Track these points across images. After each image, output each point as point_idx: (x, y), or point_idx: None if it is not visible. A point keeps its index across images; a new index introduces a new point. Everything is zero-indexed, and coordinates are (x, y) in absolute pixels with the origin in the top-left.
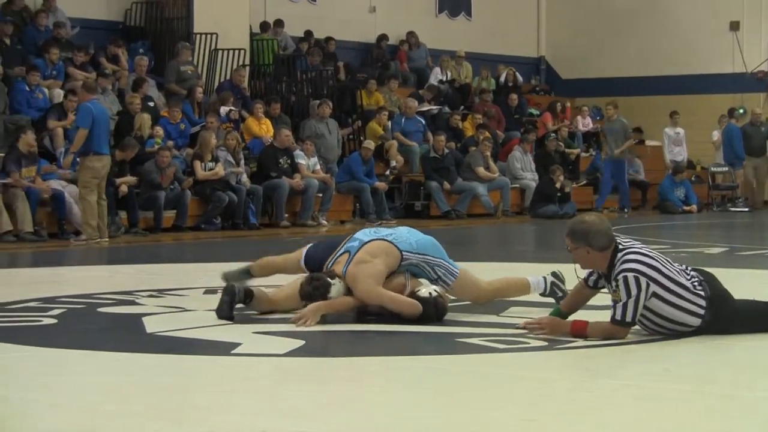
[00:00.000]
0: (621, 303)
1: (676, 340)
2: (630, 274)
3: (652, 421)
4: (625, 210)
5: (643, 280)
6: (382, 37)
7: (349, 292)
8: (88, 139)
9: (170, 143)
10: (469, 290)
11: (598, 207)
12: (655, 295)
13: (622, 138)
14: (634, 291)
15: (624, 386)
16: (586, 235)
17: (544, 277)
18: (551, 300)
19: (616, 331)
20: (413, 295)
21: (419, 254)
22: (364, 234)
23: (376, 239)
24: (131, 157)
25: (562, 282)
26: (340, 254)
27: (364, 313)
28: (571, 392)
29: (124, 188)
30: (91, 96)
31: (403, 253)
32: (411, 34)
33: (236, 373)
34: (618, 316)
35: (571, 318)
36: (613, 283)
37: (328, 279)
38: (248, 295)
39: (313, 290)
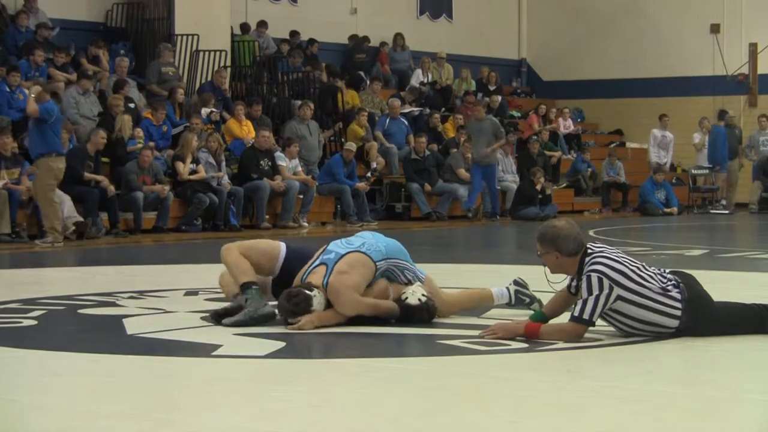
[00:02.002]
0: (581, 300)
1: (657, 341)
2: (594, 275)
3: (635, 422)
4: (497, 217)
5: (606, 282)
6: (364, 39)
7: (329, 303)
8: (50, 139)
9: (152, 144)
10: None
11: (467, 207)
12: (621, 298)
13: (492, 139)
14: (595, 290)
15: (606, 388)
16: (555, 240)
17: (507, 288)
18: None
19: (572, 329)
20: (402, 302)
21: (389, 259)
22: (337, 246)
23: (352, 251)
24: (102, 146)
25: (526, 287)
26: (316, 266)
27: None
28: (552, 394)
29: (112, 189)
30: (48, 98)
31: (377, 263)
32: (399, 35)
33: (218, 375)
34: (576, 313)
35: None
36: (580, 285)
37: (307, 291)
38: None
39: (294, 307)
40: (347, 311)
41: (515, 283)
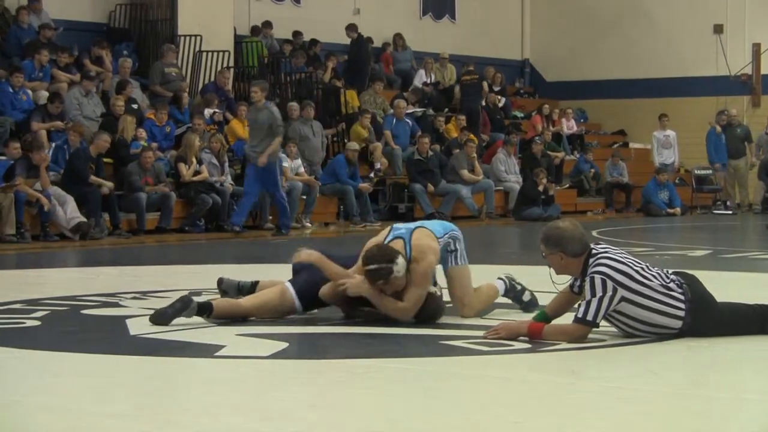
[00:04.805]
0: (585, 301)
1: (660, 342)
2: (597, 276)
3: (637, 423)
4: (283, 231)
5: (609, 284)
6: (367, 39)
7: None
8: None
9: (154, 145)
10: (465, 287)
11: (235, 224)
12: (625, 299)
13: (268, 132)
14: (599, 292)
15: (608, 388)
16: (560, 242)
17: (500, 278)
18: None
19: (575, 330)
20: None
21: (446, 233)
22: (402, 225)
23: (419, 226)
24: (105, 148)
25: (513, 278)
26: (390, 240)
27: (350, 315)
28: (556, 394)
29: (104, 190)
30: None
31: (439, 239)
32: (398, 36)
33: (221, 376)
34: (580, 314)
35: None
36: (583, 285)
37: (391, 265)
38: (204, 310)
39: (378, 268)
40: (425, 273)
41: (505, 274)
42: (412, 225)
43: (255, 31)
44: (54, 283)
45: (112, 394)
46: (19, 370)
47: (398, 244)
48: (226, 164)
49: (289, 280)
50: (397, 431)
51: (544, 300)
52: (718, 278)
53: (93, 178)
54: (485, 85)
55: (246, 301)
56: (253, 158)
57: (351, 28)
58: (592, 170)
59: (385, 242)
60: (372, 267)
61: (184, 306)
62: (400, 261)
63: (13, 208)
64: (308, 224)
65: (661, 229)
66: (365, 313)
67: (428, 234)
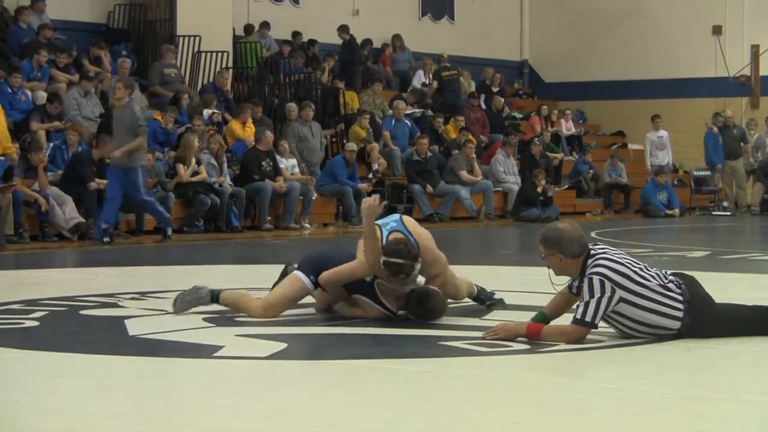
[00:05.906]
0: (583, 302)
1: (659, 343)
2: (595, 277)
3: (636, 424)
4: (170, 236)
5: (607, 285)
6: (366, 40)
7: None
8: None
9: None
10: (442, 266)
11: (97, 236)
12: (623, 300)
13: (129, 133)
14: (597, 293)
15: (607, 389)
16: (559, 243)
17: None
18: (532, 304)
19: (573, 331)
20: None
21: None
22: (387, 220)
23: (401, 216)
24: (107, 154)
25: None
26: (388, 234)
27: (345, 317)
28: (554, 395)
29: (93, 185)
30: None
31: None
32: (397, 36)
33: (220, 376)
34: (578, 315)
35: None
36: (582, 286)
37: (413, 263)
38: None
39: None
40: (432, 245)
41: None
42: (395, 216)
43: (248, 30)
44: (53, 283)
45: (111, 394)
46: (18, 371)
47: (399, 236)
48: (225, 165)
49: (298, 267)
50: (396, 431)
51: (544, 301)
52: (717, 279)
53: (96, 180)
54: (463, 82)
55: (265, 297)
56: (118, 162)
57: (343, 29)
58: (591, 171)
59: (384, 238)
60: (398, 261)
61: (196, 295)
62: (420, 260)
63: (12, 208)
64: (307, 225)
65: (659, 230)
66: (355, 308)
67: (414, 220)
